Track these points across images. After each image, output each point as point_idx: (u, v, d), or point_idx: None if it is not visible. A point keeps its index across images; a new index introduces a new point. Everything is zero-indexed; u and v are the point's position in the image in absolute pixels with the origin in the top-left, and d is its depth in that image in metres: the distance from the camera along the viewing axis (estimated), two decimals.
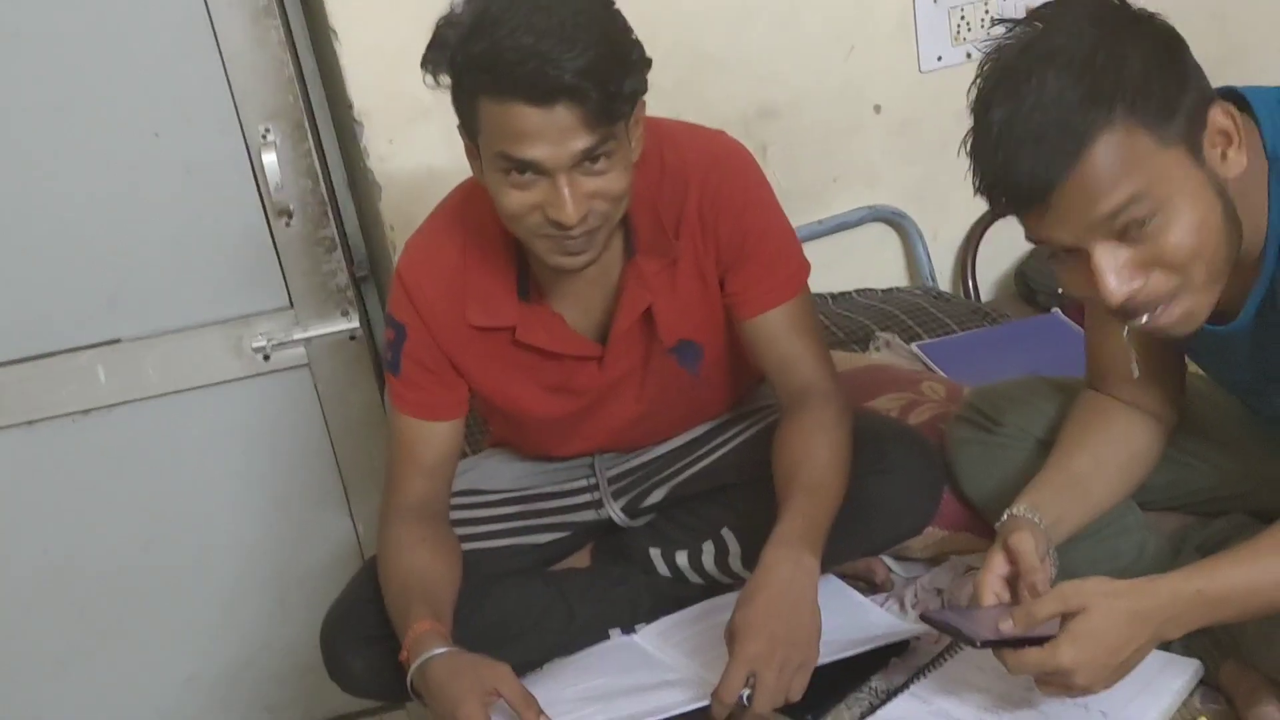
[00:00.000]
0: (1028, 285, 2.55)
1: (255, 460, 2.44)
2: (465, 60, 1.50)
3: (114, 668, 2.48)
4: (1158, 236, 1.26)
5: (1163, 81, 1.26)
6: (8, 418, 2.32)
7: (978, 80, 1.29)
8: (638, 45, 1.55)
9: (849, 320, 2.38)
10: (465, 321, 1.71)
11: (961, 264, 2.62)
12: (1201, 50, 2.55)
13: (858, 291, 2.53)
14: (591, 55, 1.46)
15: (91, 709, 2.51)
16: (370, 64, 2.21)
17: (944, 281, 2.63)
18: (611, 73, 1.48)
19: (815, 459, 1.62)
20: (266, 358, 2.34)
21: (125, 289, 2.30)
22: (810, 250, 2.47)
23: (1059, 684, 1.33)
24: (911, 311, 2.42)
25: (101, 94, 2.20)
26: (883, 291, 2.53)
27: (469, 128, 1.55)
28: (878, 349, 2.30)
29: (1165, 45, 1.29)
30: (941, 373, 2.18)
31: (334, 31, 2.23)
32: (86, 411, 2.34)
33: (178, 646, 2.50)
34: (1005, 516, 1.52)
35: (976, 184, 1.31)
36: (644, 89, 1.56)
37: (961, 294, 2.61)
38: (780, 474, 1.63)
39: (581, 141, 1.48)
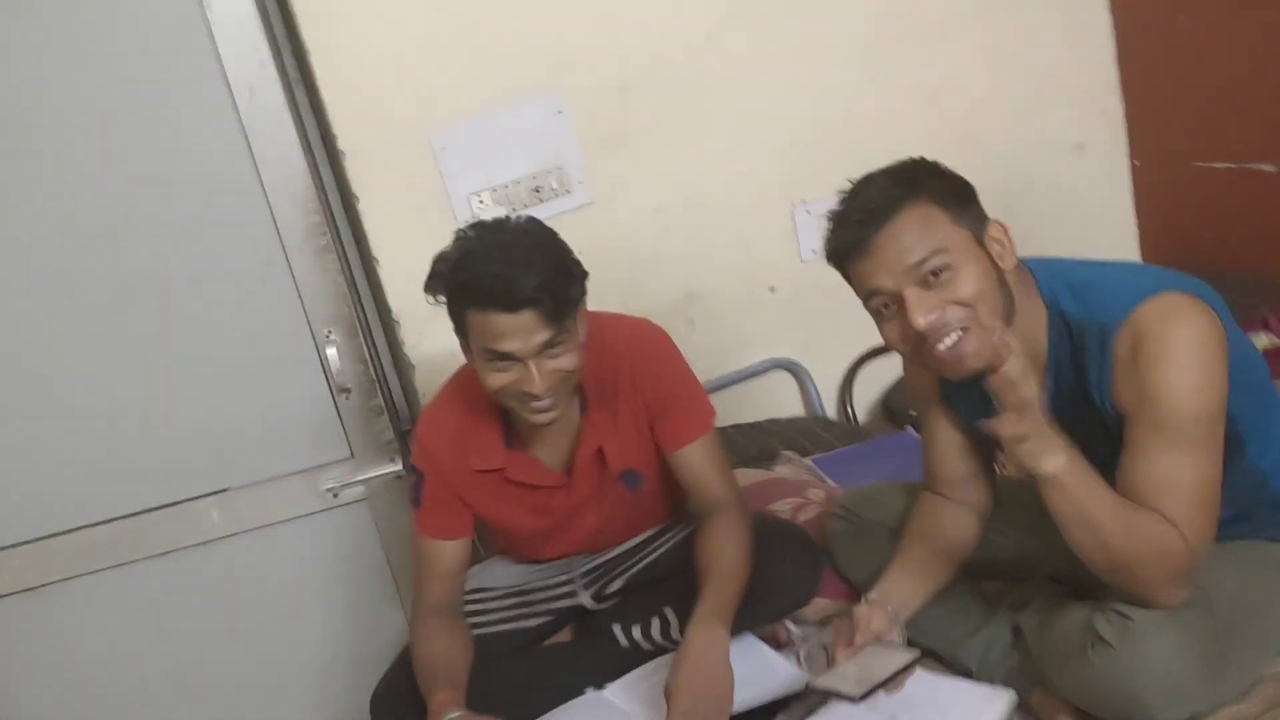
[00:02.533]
0: (890, 410, 2.54)
1: (330, 574, 2.35)
2: (454, 285, 1.53)
3: None
4: (951, 284, 1.30)
5: (954, 189, 1.34)
6: (149, 551, 2.23)
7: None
8: (578, 264, 1.58)
9: (759, 443, 2.35)
10: (467, 466, 1.70)
11: (841, 397, 2.60)
12: None
13: (767, 421, 2.49)
14: (544, 274, 1.49)
15: None
16: (403, 279, 2.19)
17: (830, 410, 2.59)
18: (560, 284, 1.51)
19: (724, 555, 1.60)
20: (335, 495, 2.27)
21: (231, 451, 2.23)
22: (729, 392, 2.53)
23: None
24: (806, 434, 2.39)
25: (214, 318, 2.18)
26: (785, 420, 2.50)
27: (460, 330, 1.57)
28: (782, 463, 2.28)
29: (956, 177, 1.36)
30: (829, 480, 2.15)
31: (376, 259, 2.25)
32: (205, 543, 2.26)
33: (290, 712, 2.38)
34: (863, 600, 1.50)
35: (828, 253, 1.37)
36: (584, 293, 1.58)
37: (843, 419, 2.57)
38: (699, 567, 1.60)
39: (542, 335, 1.50)
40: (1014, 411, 1.24)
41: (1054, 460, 1.25)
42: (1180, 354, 1.25)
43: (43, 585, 2.19)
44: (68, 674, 2.26)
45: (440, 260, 1.55)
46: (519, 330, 1.48)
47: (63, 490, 2.17)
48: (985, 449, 1.60)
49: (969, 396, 1.46)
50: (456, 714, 1.52)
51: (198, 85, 2.06)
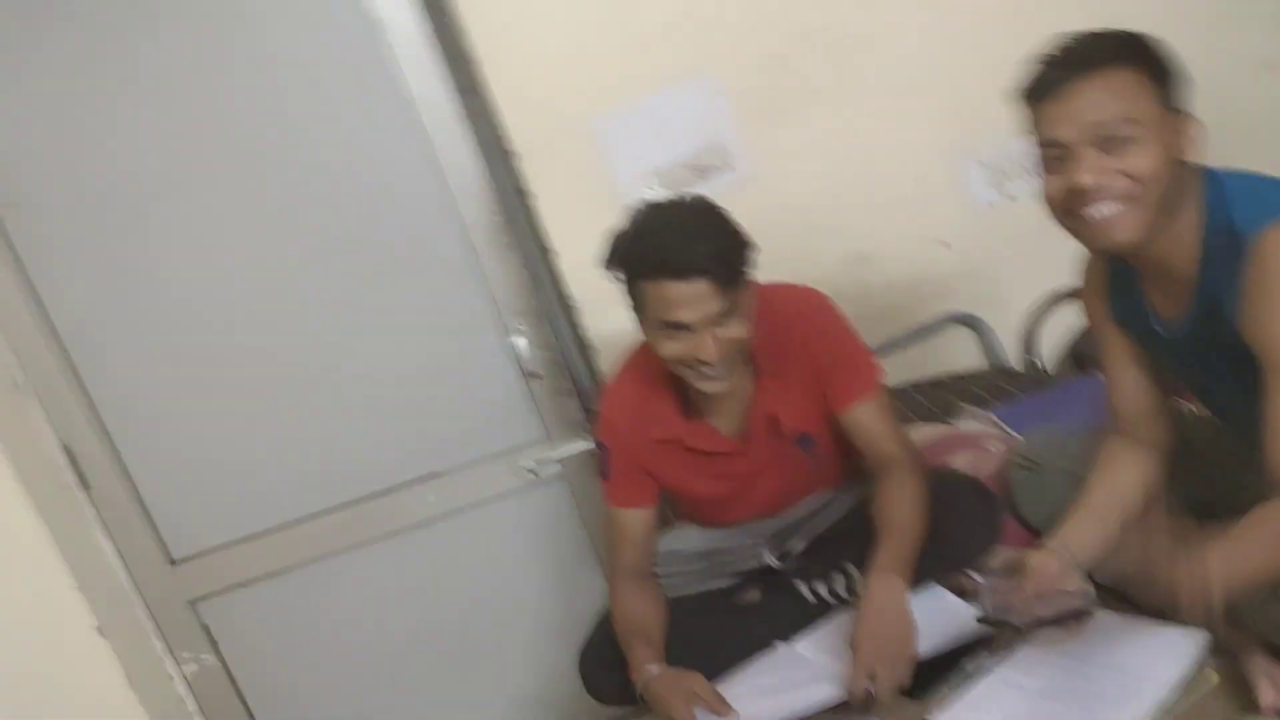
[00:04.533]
0: (1078, 356, 2.47)
1: (534, 545, 2.50)
2: (629, 259, 1.63)
3: (458, 698, 2.56)
4: (1128, 156, 1.28)
5: (1171, 72, 1.31)
6: (375, 533, 2.43)
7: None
8: (746, 236, 1.66)
9: (939, 399, 2.35)
10: (648, 437, 1.80)
11: (1024, 347, 2.54)
12: None
13: (947, 377, 2.47)
14: (715, 245, 1.58)
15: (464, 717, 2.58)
16: (580, 268, 2.26)
17: (1013, 362, 2.54)
18: (730, 254, 1.59)
19: (899, 509, 1.65)
20: (535, 474, 2.41)
21: (440, 438, 2.41)
22: (906, 352, 2.54)
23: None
24: (987, 387, 2.36)
25: (416, 320, 2.34)
26: (965, 374, 2.47)
27: (637, 305, 1.67)
28: (963, 418, 2.27)
29: (1174, 62, 1.33)
30: (1012, 431, 2.15)
31: (555, 251, 2.37)
32: (423, 523, 2.44)
33: (500, 679, 2.56)
34: (1041, 548, 1.51)
35: (1023, 89, 1.34)
36: (752, 265, 1.66)
37: (1027, 369, 2.52)
38: (876, 522, 1.66)
39: (714, 304, 1.58)
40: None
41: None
42: None
43: (288, 568, 2.44)
44: (313, 649, 2.51)
45: (616, 237, 1.65)
46: (692, 299, 1.56)
47: (299, 481, 2.41)
48: (1161, 375, 1.57)
49: (1128, 300, 1.45)
50: (657, 669, 1.64)
51: (383, 105, 2.23)
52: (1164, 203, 1.31)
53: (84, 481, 2.33)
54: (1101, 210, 1.30)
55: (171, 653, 2.46)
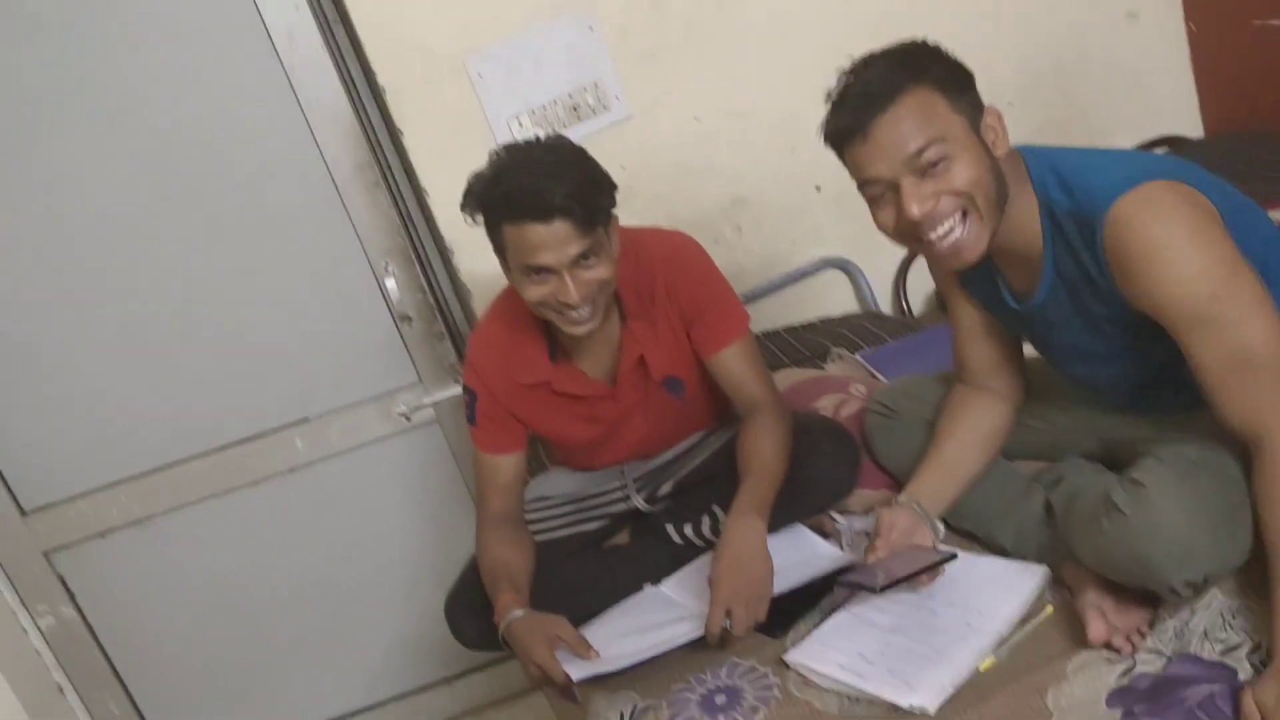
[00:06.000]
0: (945, 301, 2.54)
1: (407, 491, 2.49)
2: (488, 201, 1.60)
3: (329, 646, 2.56)
4: (946, 173, 1.31)
5: (954, 75, 1.34)
6: (241, 480, 2.40)
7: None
8: (607, 176, 1.64)
9: (811, 343, 2.39)
10: (515, 382, 1.79)
11: (896, 291, 2.62)
12: (1048, 114, 2.52)
13: (819, 321, 2.52)
14: (574, 184, 1.55)
15: (322, 669, 2.58)
16: (453, 208, 2.15)
17: (885, 306, 2.61)
18: (589, 194, 1.57)
19: (761, 452, 1.67)
20: (408, 419, 2.39)
21: (308, 382, 2.37)
22: (782, 295, 2.58)
23: None
24: (858, 331, 2.41)
25: (280, 259, 2.29)
26: (837, 319, 2.52)
27: (498, 248, 1.65)
28: (833, 361, 2.32)
29: (956, 62, 1.36)
30: (880, 374, 2.19)
31: (425, 190, 2.33)
32: (292, 470, 2.41)
33: (370, 624, 2.56)
34: (892, 503, 1.56)
35: (825, 135, 1.39)
36: (613, 204, 1.64)
37: (897, 313, 2.59)
38: (740, 465, 1.68)
39: (575, 246, 1.57)
40: None
41: None
42: (1167, 249, 1.25)
43: (149, 517, 2.38)
44: (177, 600, 2.46)
45: (474, 179, 1.62)
46: (552, 241, 1.55)
47: (161, 427, 2.35)
48: (1011, 334, 1.62)
49: (981, 278, 1.49)
50: (520, 613, 1.64)
51: (238, 34, 2.14)
52: (995, 202, 1.34)
53: None
54: (941, 235, 1.33)
55: (25, 606, 2.37)
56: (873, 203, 1.39)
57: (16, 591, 2.36)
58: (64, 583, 2.39)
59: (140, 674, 2.50)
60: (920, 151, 1.30)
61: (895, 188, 1.33)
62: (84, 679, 2.45)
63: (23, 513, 2.33)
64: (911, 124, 1.30)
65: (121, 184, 2.20)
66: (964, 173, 1.31)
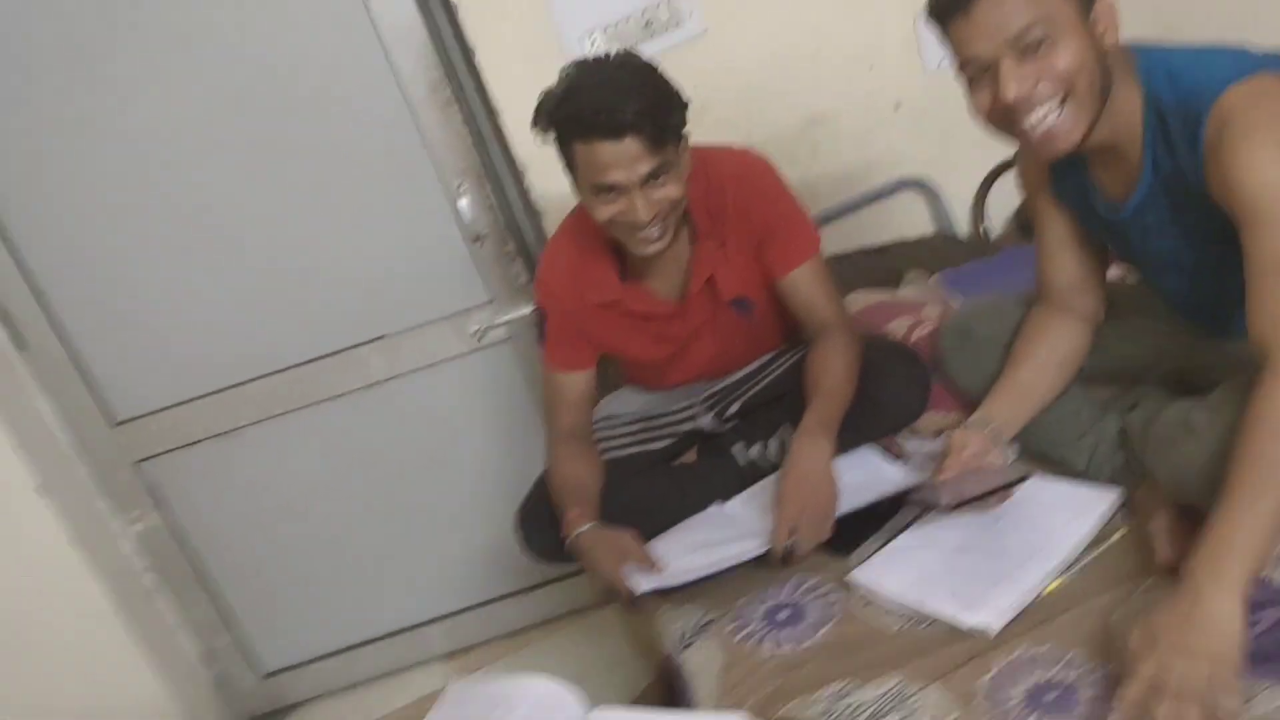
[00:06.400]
0: (1024, 224, 2.48)
1: (479, 409, 2.52)
2: (559, 119, 1.60)
3: (403, 557, 2.63)
4: (1048, 56, 1.27)
5: None
6: (319, 395, 2.45)
7: None
8: (679, 93, 1.63)
9: (885, 265, 2.36)
10: (585, 300, 1.81)
11: (974, 213, 2.55)
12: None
13: (894, 243, 2.49)
14: (644, 101, 1.55)
15: (396, 579, 2.65)
16: (525, 127, 2.17)
17: (962, 228, 2.56)
18: (660, 111, 1.57)
19: (829, 373, 1.67)
20: (480, 338, 2.42)
21: (384, 301, 2.40)
22: (854, 217, 2.55)
23: None
24: (934, 252, 2.39)
25: (358, 173, 2.31)
26: (913, 240, 2.49)
27: (569, 166, 1.65)
28: (907, 284, 2.30)
29: None
30: (955, 296, 2.17)
31: (498, 109, 2.33)
32: (368, 386, 2.45)
33: (445, 537, 2.62)
34: (963, 425, 1.55)
35: (929, 9, 1.34)
36: (685, 123, 1.63)
37: (974, 236, 2.54)
38: (807, 386, 1.69)
39: (645, 164, 1.56)
40: None
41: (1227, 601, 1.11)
42: (1258, 133, 1.20)
43: (232, 430, 2.46)
44: (260, 509, 2.55)
45: (545, 97, 1.62)
46: (622, 159, 1.55)
47: (243, 344, 2.41)
48: (1097, 251, 1.59)
49: (1073, 183, 1.45)
50: (588, 526, 1.68)
51: None
52: (1097, 91, 1.30)
53: (20, 341, 2.31)
54: (1036, 121, 1.30)
55: (116, 513, 2.48)
56: (970, 85, 1.35)
57: (109, 498, 2.47)
58: (152, 491, 2.49)
59: (226, 578, 2.61)
60: (1023, 32, 1.26)
61: (994, 69, 1.29)
62: (172, 583, 2.57)
63: (114, 423, 2.43)
64: (1016, 2, 1.26)
65: (200, 104, 2.23)
66: (1066, 57, 1.27)
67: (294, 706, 2.73)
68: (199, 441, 2.46)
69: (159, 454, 2.47)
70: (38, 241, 2.28)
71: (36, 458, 2.27)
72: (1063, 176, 1.49)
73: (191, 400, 2.44)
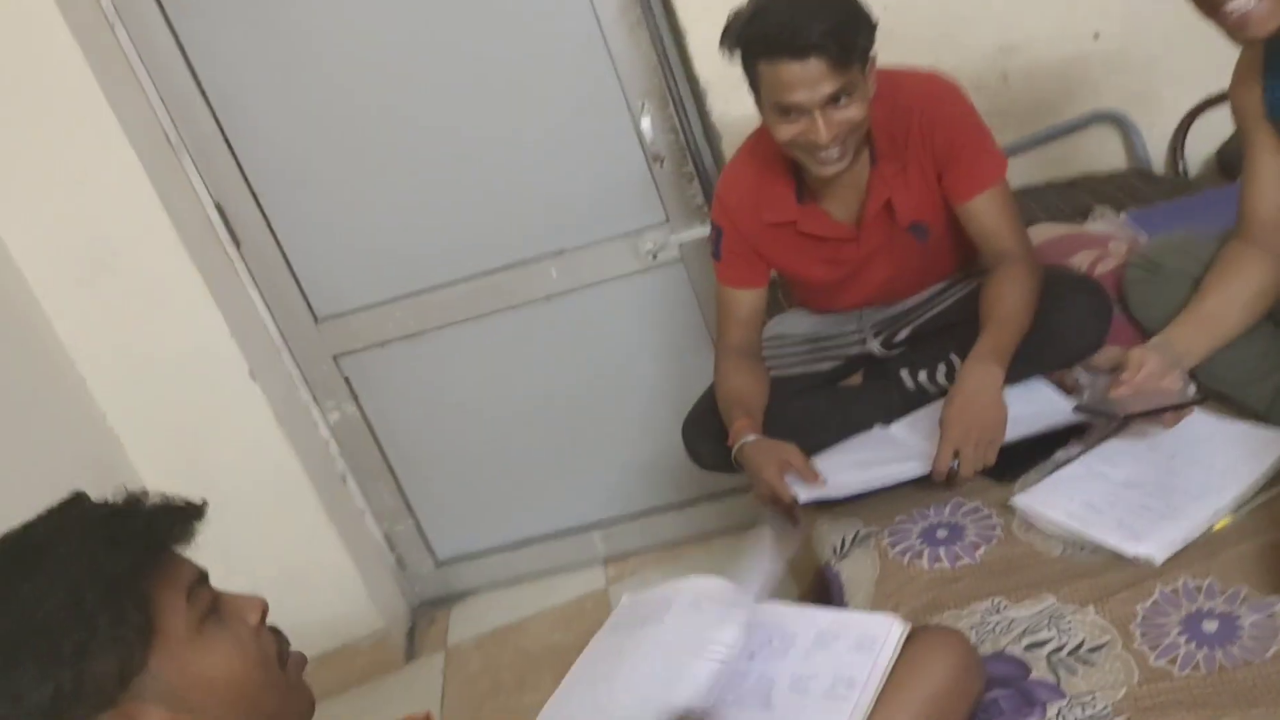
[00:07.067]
0: (1225, 163, 2.37)
1: (650, 325, 2.61)
2: (745, 38, 1.63)
3: (571, 461, 2.77)
4: None
5: None
6: (502, 304, 2.58)
7: None
8: (867, 15, 1.63)
9: (1073, 199, 2.30)
10: (761, 220, 1.84)
11: (1172, 150, 2.46)
12: None
13: (1084, 177, 2.41)
14: (831, 21, 1.56)
15: (562, 482, 2.79)
16: (709, 49, 2.19)
17: (1159, 166, 2.46)
18: (847, 31, 1.57)
19: (1006, 300, 1.67)
20: (654, 257, 2.50)
21: (564, 217, 2.50)
22: (1044, 150, 2.49)
23: None
24: (1125, 189, 2.30)
25: (546, 90, 2.39)
26: (1104, 175, 2.41)
27: (754, 86, 1.68)
28: (1095, 218, 2.24)
29: None
30: (1143, 234, 2.11)
31: (684, 31, 2.36)
32: (548, 298, 2.57)
33: (610, 447, 2.74)
34: (1143, 345, 1.53)
35: None
36: (871, 45, 1.64)
37: (1170, 174, 2.44)
38: (982, 313, 1.69)
39: (829, 85, 1.58)
40: None
41: None
42: None
43: (421, 331, 2.63)
44: (442, 406, 2.73)
45: (733, 16, 1.65)
46: (806, 79, 1.57)
47: (434, 252, 2.55)
48: None
49: None
50: (753, 437, 1.74)
51: None
52: None
53: (235, 238, 2.53)
54: (1239, 2, 1.25)
55: (316, 401, 2.70)
56: None
57: (310, 388, 2.69)
58: (349, 384, 2.70)
59: (408, 469, 2.81)
60: None
61: None
62: (362, 470, 2.78)
63: (316, 320, 2.63)
64: None
65: (404, 21, 2.35)
66: None
67: (462, 595, 2.93)
68: (391, 341, 2.64)
69: (355, 350, 2.66)
70: (254, 148, 2.47)
71: (248, 346, 2.48)
72: (1275, 77, 1.42)
73: (385, 302, 2.61)
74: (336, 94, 2.42)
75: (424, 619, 2.91)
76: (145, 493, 0.87)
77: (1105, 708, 1.18)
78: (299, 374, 2.67)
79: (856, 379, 1.98)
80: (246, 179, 2.49)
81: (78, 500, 0.86)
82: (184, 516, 0.87)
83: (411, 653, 2.78)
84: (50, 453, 2.22)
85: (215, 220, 2.50)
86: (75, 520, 0.83)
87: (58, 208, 2.28)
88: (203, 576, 0.88)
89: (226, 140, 2.45)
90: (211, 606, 0.87)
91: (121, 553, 0.80)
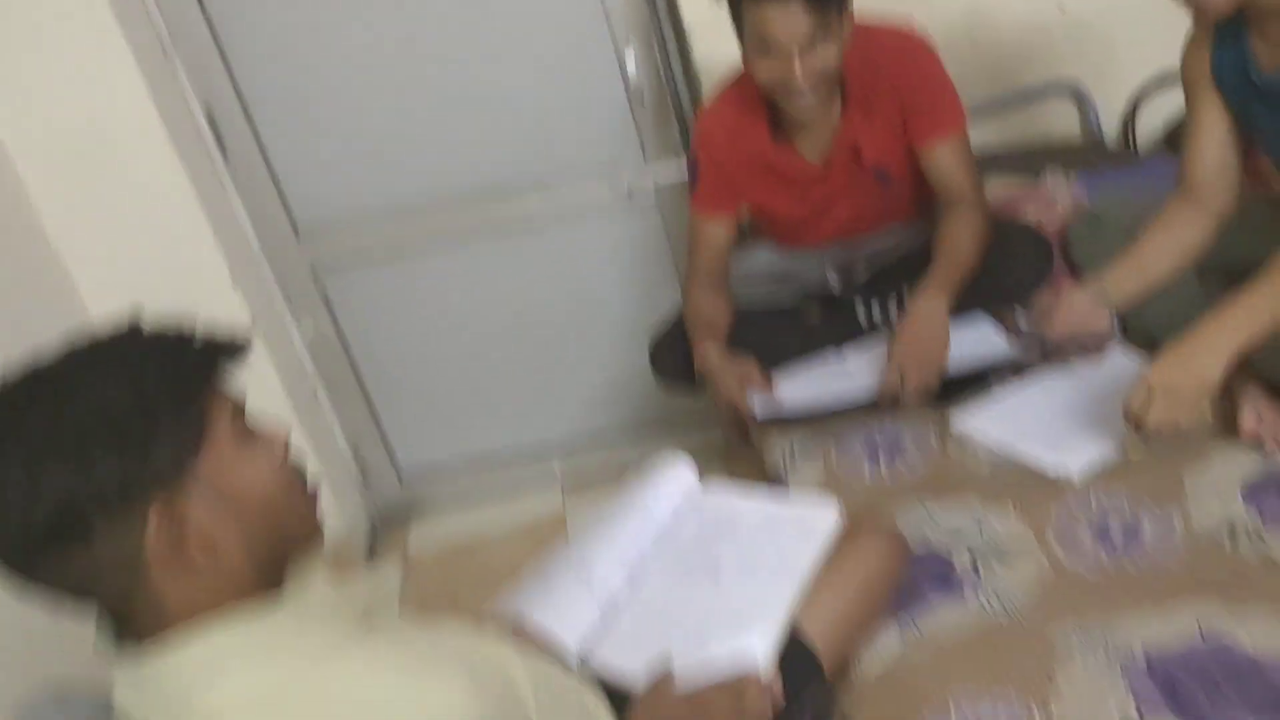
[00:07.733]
0: (1174, 141, 2.48)
1: (625, 259, 2.71)
2: None
3: (542, 380, 2.87)
4: None
5: None
6: (480, 230, 2.65)
7: None
8: None
9: (1028, 165, 2.41)
10: (737, 153, 1.94)
11: (1125, 125, 2.57)
12: None
13: (1039, 144, 2.53)
14: None
15: (533, 400, 2.89)
16: None
17: (1112, 140, 2.57)
18: None
19: (957, 240, 1.80)
20: (630, 195, 2.58)
21: (548, 149, 2.57)
22: (1003, 115, 2.60)
23: None
24: (1077, 157, 2.43)
25: (534, 23, 2.47)
26: (1057, 145, 2.53)
27: (738, 28, 1.78)
28: (1044, 179, 2.35)
29: None
30: (1088, 197, 2.23)
31: None
32: (526, 226, 2.65)
33: (583, 368, 2.84)
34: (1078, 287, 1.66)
35: None
36: None
37: (1122, 148, 2.56)
38: (934, 250, 1.81)
39: (805, 26, 1.68)
40: None
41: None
42: None
43: (399, 251, 2.70)
44: (418, 325, 2.81)
45: None
46: (785, 19, 1.67)
47: (420, 172, 2.61)
48: (1240, 147, 1.65)
49: (1233, 57, 1.51)
50: (716, 350, 1.86)
51: None
52: None
53: (222, 147, 2.58)
54: None
55: (293, 315, 2.78)
56: None
57: (288, 301, 2.76)
58: (326, 299, 2.77)
59: (380, 387, 2.90)
60: None
61: None
62: (335, 387, 2.86)
63: (297, 233, 2.70)
64: None
65: None
66: None
67: (423, 512, 3.02)
68: (369, 258, 2.72)
69: (333, 266, 2.74)
70: (247, 59, 2.52)
71: (231, 254, 2.55)
72: (1223, 49, 1.53)
73: (367, 219, 2.68)
74: (332, 13, 2.48)
75: (385, 532, 3.00)
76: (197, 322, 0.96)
77: (1019, 594, 1.32)
78: (278, 288, 2.74)
79: (814, 315, 2.10)
80: (238, 87, 2.55)
81: (137, 318, 0.95)
82: (234, 346, 0.97)
83: (371, 564, 2.88)
84: (34, 344, 2.27)
85: (205, 128, 2.55)
86: (137, 332, 0.93)
87: (52, 101, 2.32)
88: (242, 404, 0.98)
89: (220, 49, 2.51)
90: (250, 429, 0.97)
91: (182, 360, 0.91)
